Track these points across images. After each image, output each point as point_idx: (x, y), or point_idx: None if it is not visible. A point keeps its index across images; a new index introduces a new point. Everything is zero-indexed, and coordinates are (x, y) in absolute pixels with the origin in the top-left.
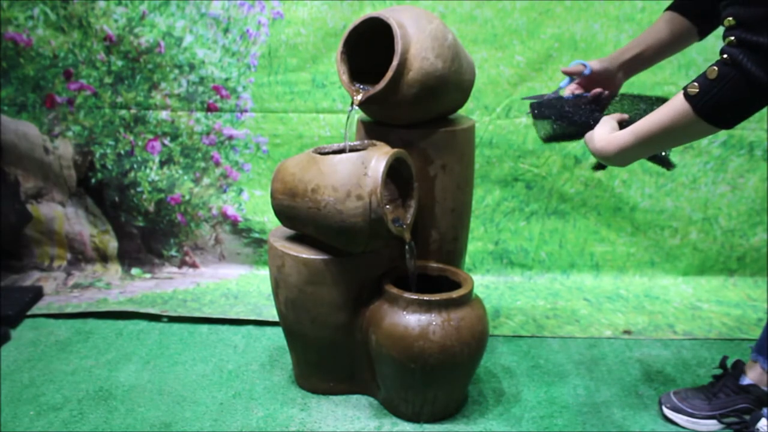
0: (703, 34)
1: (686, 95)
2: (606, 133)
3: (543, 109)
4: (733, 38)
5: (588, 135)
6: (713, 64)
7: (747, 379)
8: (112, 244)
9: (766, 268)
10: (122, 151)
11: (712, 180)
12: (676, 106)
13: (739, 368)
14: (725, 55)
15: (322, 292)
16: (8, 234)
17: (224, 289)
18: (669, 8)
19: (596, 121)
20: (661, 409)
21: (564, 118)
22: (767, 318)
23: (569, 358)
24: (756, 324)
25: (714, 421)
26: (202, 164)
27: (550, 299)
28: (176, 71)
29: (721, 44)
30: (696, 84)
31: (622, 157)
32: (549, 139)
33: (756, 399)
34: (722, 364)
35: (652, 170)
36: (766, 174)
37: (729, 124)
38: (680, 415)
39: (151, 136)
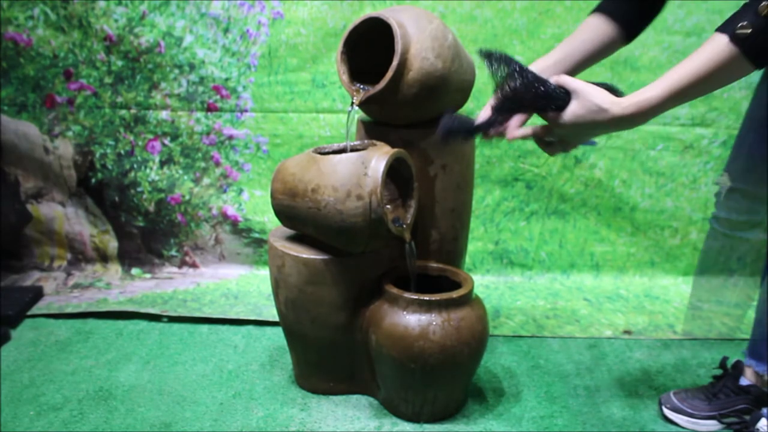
0: (630, 38)
1: (735, 38)
2: (609, 97)
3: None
4: None
5: (582, 108)
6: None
7: (746, 380)
8: (112, 244)
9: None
10: (122, 151)
11: (712, 180)
12: (718, 51)
13: (739, 368)
14: None
15: (322, 292)
16: (8, 234)
17: (224, 289)
18: (595, 10)
19: (553, 92)
20: (661, 409)
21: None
22: (754, 321)
23: (569, 358)
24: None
25: (714, 422)
26: (202, 164)
27: (550, 299)
28: (176, 71)
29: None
30: (746, 23)
31: (651, 117)
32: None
33: (756, 399)
34: (722, 365)
35: (652, 170)
36: None
37: None
38: (680, 415)
39: (151, 136)
